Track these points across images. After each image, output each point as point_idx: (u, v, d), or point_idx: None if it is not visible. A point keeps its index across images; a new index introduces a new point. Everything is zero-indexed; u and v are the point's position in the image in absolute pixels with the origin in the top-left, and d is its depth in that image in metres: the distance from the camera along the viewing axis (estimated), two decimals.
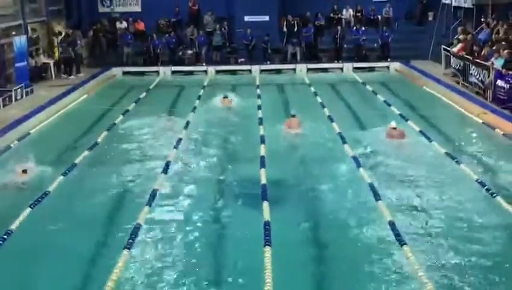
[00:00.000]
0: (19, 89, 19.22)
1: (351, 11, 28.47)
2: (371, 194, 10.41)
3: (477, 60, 18.87)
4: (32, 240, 9.12)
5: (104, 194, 11.13)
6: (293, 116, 15.48)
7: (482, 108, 16.70)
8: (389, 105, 18.03)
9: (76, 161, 12.83)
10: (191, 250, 8.80)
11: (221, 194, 11.07)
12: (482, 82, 18.22)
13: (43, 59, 23.34)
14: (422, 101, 19.04)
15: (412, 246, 8.41)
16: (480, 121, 15.88)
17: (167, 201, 10.65)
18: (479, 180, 11.02)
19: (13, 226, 9.25)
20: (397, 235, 8.71)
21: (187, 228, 9.54)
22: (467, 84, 19.62)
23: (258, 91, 20.81)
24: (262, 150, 13.29)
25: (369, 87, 21.30)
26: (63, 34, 24.93)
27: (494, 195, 10.27)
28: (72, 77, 23.46)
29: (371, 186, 10.80)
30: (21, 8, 22.75)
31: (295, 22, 26.91)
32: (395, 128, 13.95)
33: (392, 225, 9.07)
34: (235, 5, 27.75)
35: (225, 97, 19.03)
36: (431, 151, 13.34)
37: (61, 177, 11.78)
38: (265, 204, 9.89)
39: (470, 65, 19.34)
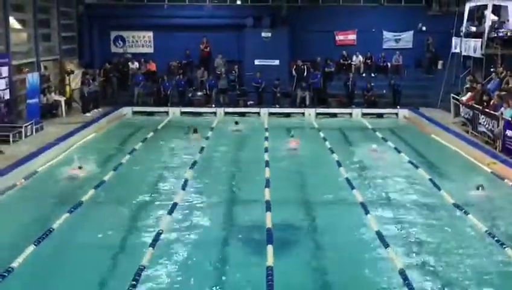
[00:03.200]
0: (29, 126, 19.31)
1: (360, 58, 28.76)
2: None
3: (486, 110, 18.87)
4: (33, 279, 9.06)
5: (109, 233, 11.06)
6: (292, 136, 19.44)
7: (491, 158, 16.59)
8: (399, 152, 17.98)
9: (83, 199, 12.81)
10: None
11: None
12: (492, 132, 18.17)
13: (54, 96, 23.57)
14: (432, 149, 18.98)
15: None
16: (489, 170, 15.76)
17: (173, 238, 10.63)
18: (488, 231, 10.90)
19: (15, 264, 9.14)
20: None
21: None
22: (476, 134, 19.57)
23: (267, 134, 20.90)
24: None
25: (378, 134, 21.25)
26: (80, 72, 25.39)
27: (504, 246, 10.13)
28: (88, 114, 23.69)
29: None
30: (35, 46, 23.11)
31: (305, 67, 27.22)
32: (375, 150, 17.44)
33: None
34: (245, 48, 28.09)
35: (236, 123, 21.02)
36: (440, 199, 13.34)
37: (67, 214, 11.74)
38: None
39: (479, 114, 19.33)
